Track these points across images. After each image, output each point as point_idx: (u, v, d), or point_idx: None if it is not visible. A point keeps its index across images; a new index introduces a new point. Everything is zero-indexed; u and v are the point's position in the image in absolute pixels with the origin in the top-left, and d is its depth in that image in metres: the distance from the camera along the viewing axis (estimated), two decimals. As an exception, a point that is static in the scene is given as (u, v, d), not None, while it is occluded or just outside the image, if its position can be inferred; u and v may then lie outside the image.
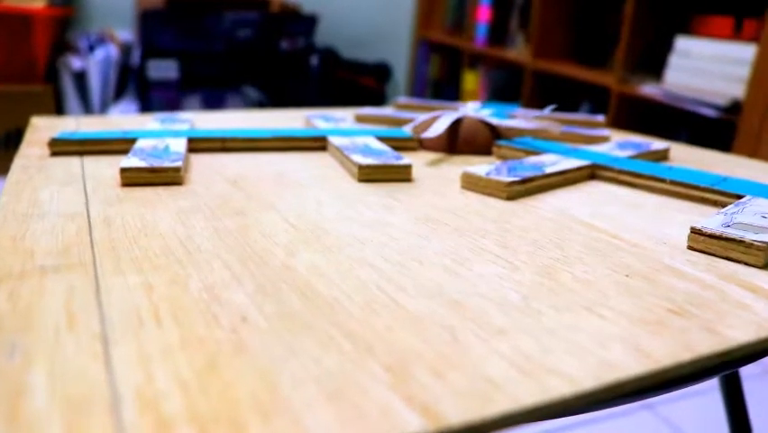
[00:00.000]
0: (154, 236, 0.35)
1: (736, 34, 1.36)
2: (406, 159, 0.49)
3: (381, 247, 0.34)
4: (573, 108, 1.91)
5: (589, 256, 0.34)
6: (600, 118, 0.77)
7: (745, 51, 1.31)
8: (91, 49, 2.15)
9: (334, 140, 0.56)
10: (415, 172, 0.51)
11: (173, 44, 2.14)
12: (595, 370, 0.22)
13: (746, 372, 1.23)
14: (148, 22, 2.10)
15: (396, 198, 0.43)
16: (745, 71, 1.31)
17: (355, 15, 2.51)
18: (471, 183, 0.45)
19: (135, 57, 2.18)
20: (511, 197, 0.44)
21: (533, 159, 0.50)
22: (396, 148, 0.58)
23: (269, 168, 0.50)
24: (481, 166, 0.47)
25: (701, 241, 0.35)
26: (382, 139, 0.58)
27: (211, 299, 0.28)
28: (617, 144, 0.60)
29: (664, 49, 1.58)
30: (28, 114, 1.99)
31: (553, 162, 0.50)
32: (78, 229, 0.36)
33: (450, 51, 2.38)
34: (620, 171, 0.49)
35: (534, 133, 0.66)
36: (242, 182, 0.46)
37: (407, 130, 0.61)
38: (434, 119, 0.61)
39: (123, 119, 0.69)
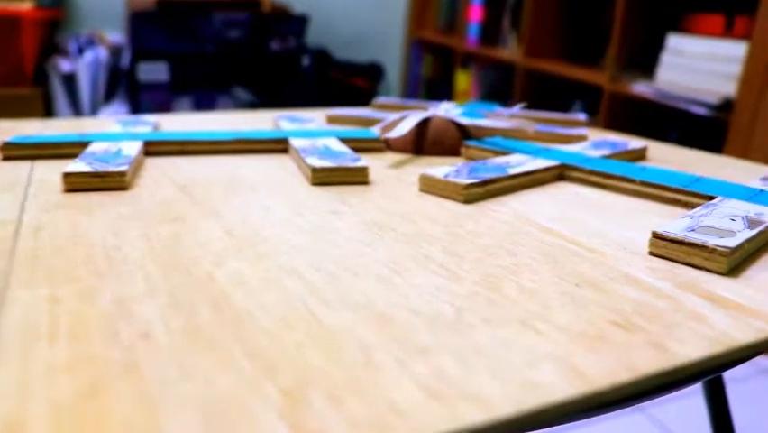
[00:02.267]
0: (81, 245, 0.33)
1: (728, 32, 1.33)
2: (364, 161, 0.47)
3: (318, 255, 0.32)
4: (565, 107, 1.89)
5: (540, 264, 0.31)
6: (581, 117, 0.75)
7: (737, 49, 1.28)
8: (80, 51, 2.13)
9: (295, 142, 0.53)
10: (375, 174, 0.48)
11: (163, 46, 2.12)
12: (517, 393, 0.20)
13: (741, 372, 1.21)
14: (137, 23, 2.08)
15: (348, 202, 0.41)
16: (736, 69, 1.28)
17: (347, 16, 2.49)
18: (429, 186, 0.43)
19: (125, 59, 2.16)
20: (470, 200, 0.41)
21: (498, 159, 0.48)
22: (361, 149, 0.56)
23: (224, 172, 0.48)
24: (442, 167, 0.45)
25: (662, 246, 0.33)
26: (346, 140, 0.56)
27: (118, 314, 0.26)
28: (592, 144, 0.57)
29: (656, 47, 1.56)
30: (16, 117, 1.97)
31: (520, 163, 0.47)
32: (3, 237, 0.34)
33: (442, 51, 2.36)
34: (590, 172, 0.47)
35: (509, 133, 0.64)
36: (191, 187, 0.44)
37: (375, 131, 0.59)
38: (402, 120, 0.59)
39: (93, 122, 0.66)
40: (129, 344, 0.23)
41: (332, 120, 0.69)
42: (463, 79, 2.14)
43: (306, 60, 2.22)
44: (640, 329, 0.25)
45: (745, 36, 1.30)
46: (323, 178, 0.45)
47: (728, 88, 1.30)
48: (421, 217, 0.38)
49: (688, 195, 0.43)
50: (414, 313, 0.25)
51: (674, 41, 1.44)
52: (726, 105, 1.28)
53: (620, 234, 0.37)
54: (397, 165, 0.51)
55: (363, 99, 2.27)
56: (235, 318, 0.25)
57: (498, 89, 2.09)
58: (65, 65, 2.10)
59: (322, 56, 2.25)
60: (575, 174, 0.48)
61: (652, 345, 0.24)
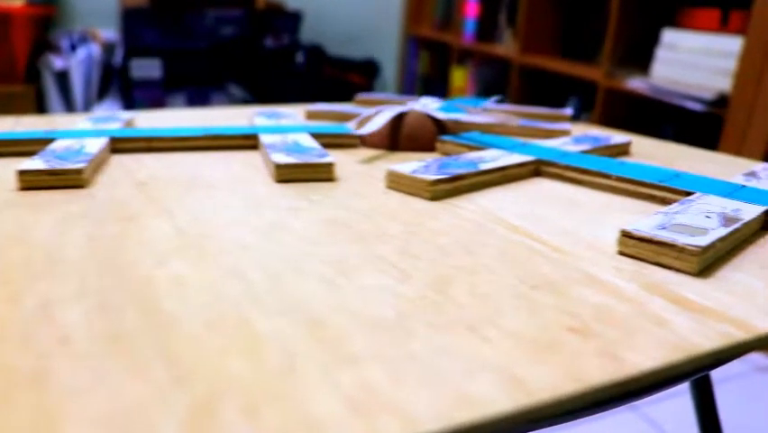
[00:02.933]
0: (23, 246, 0.31)
1: (723, 27, 1.31)
2: (331, 157, 0.45)
3: (265, 255, 0.30)
4: (561, 103, 1.87)
5: (499, 264, 0.30)
6: (567, 111, 0.73)
7: (732, 44, 1.26)
8: (73, 48, 2.12)
9: (265, 138, 0.52)
10: (344, 171, 0.47)
11: (156, 43, 2.10)
12: (447, 407, 0.18)
13: (737, 370, 1.19)
14: (130, 20, 2.07)
15: (309, 199, 0.39)
16: (731, 64, 1.26)
17: (342, 12, 2.47)
18: (396, 182, 0.41)
19: (118, 56, 2.14)
20: (436, 196, 0.40)
21: (472, 155, 0.46)
22: (335, 145, 0.54)
23: (188, 168, 0.47)
24: (410, 163, 0.43)
25: (631, 245, 0.31)
26: (320, 136, 0.54)
27: (41, 319, 0.24)
28: (574, 139, 0.56)
29: (652, 42, 1.54)
30: (9, 115, 1.95)
31: (494, 159, 0.46)
32: (-60, 236, 0.32)
33: (439, 47, 2.34)
34: (565, 167, 0.45)
35: (492, 128, 0.62)
36: (151, 184, 0.42)
37: (351, 126, 0.57)
38: (377, 115, 0.57)
39: (67, 119, 0.65)
40: (45, 350, 0.22)
41: (311, 116, 0.68)
42: (459, 76, 2.12)
43: (300, 57, 2.20)
44: (596, 336, 0.23)
45: (740, 31, 1.28)
46: (287, 174, 0.43)
47: (723, 84, 1.28)
48: (382, 215, 0.36)
49: (665, 190, 0.41)
50: (352, 317, 0.24)
51: (669, 36, 1.42)
52: (722, 101, 1.26)
53: (590, 233, 0.35)
54: (369, 161, 0.50)
55: (358, 96, 2.25)
56: (162, 323, 0.23)
57: (495, 86, 2.07)
58: (57, 62, 2.09)
59: (316, 52, 2.24)
60: (551, 170, 0.46)
61: (605, 353, 0.22)
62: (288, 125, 0.56)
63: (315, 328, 0.23)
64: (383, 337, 0.22)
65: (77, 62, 2.10)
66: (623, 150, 0.57)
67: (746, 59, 1.20)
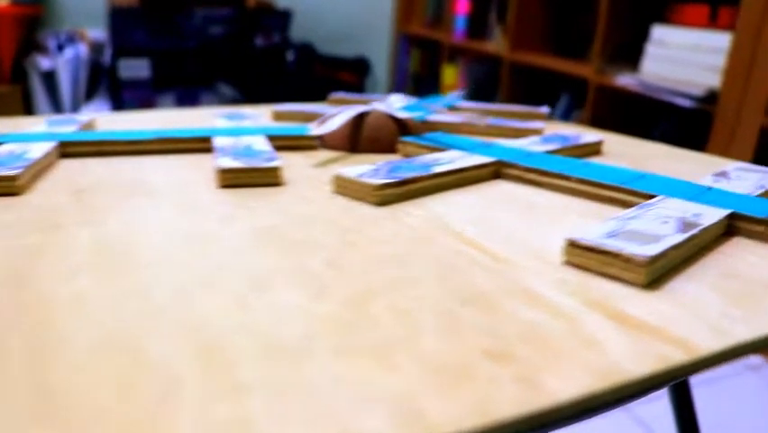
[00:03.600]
0: (-70, 257, 0.29)
1: (712, 22, 1.29)
2: (279, 161, 0.43)
3: (182, 269, 0.28)
4: (552, 101, 1.85)
5: (431, 276, 0.28)
6: (543, 110, 0.71)
7: (721, 40, 1.24)
8: (60, 48, 2.10)
9: (218, 141, 0.49)
10: (296, 174, 0.44)
11: (145, 42, 2.08)
12: (325, 451, 0.16)
13: (729, 369, 1.17)
14: (118, 20, 2.05)
15: (249, 206, 0.37)
16: (720, 60, 1.24)
17: (332, 10, 2.45)
18: (343, 187, 0.39)
19: (107, 56, 2.12)
20: (383, 201, 0.38)
21: (429, 157, 0.44)
22: (294, 147, 0.52)
23: (133, 174, 0.44)
24: (359, 166, 0.41)
25: (578, 254, 0.29)
26: (277, 138, 0.52)
27: None
28: (543, 138, 0.53)
29: (642, 38, 1.51)
30: (-5, 116, 1.93)
31: (452, 160, 0.43)
32: None
33: (430, 45, 2.32)
34: (525, 169, 0.43)
35: (460, 128, 0.60)
36: (89, 192, 0.40)
37: (312, 127, 0.55)
38: (337, 115, 0.55)
39: (30, 120, 0.63)
40: None
41: (278, 117, 0.65)
42: (450, 73, 2.10)
43: (290, 56, 2.18)
44: (516, 360, 0.21)
45: (729, 27, 1.26)
46: (231, 179, 0.41)
47: (713, 80, 1.25)
48: (321, 222, 0.34)
49: (627, 193, 0.39)
50: (252, 339, 0.22)
51: (659, 32, 1.39)
52: (711, 97, 1.24)
53: (541, 240, 0.33)
54: (324, 164, 0.48)
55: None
56: (45, 347, 0.21)
57: (486, 83, 2.05)
58: (44, 62, 2.07)
59: (307, 51, 2.21)
60: (511, 172, 0.44)
61: (523, 380, 0.20)
62: (244, 127, 0.54)
63: (209, 352, 0.21)
64: (279, 363, 0.20)
65: (65, 62, 2.08)
66: (594, 149, 0.55)
67: (735, 54, 1.18)
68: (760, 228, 0.35)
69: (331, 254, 0.30)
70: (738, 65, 1.17)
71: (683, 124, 1.49)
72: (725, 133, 1.22)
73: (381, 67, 2.54)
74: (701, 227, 0.32)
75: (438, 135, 0.51)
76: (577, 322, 0.24)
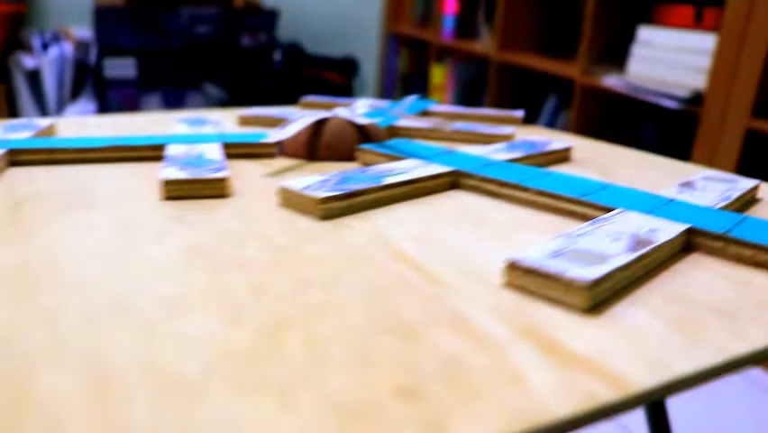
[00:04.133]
0: None
1: (697, 24, 1.27)
2: (226, 171, 0.41)
3: (97, 292, 0.26)
4: (540, 101, 1.83)
5: (358, 301, 0.26)
6: (518, 114, 0.70)
7: (706, 41, 1.22)
8: (45, 47, 2.07)
9: (172, 149, 0.48)
10: (246, 185, 0.43)
11: (130, 42, 2.06)
12: None
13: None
14: (103, 19, 2.02)
15: (187, 220, 0.35)
16: (706, 62, 1.22)
17: (320, 9, 2.43)
18: (288, 200, 0.37)
19: (92, 55, 2.10)
20: (328, 215, 0.36)
21: (383, 166, 0.43)
22: (251, 155, 0.51)
23: (78, 184, 0.43)
24: (309, 177, 0.39)
25: (518, 276, 0.27)
26: (234, 145, 0.50)
27: None
28: (509, 145, 0.52)
29: (629, 39, 1.50)
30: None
31: (407, 170, 0.42)
32: None
33: (418, 45, 2.30)
34: (484, 180, 0.41)
35: (425, 134, 0.59)
36: (28, 203, 0.39)
37: (273, 134, 0.53)
38: (295, 121, 0.53)
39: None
40: None
41: (244, 121, 0.64)
42: (439, 73, 2.08)
43: (277, 55, 2.16)
44: (427, 400, 0.19)
45: (714, 28, 1.24)
46: (175, 191, 0.39)
47: (698, 81, 1.24)
48: (258, 239, 0.33)
49: (585, 206, 0.37)
50: (149, 374, 0.20)
51: (645, 33, 1.38)
52: (697, 99, 1.22)
53: (487, 258, 0.31)
54: (277, 173, 0.46)
55: (337, 95, 2.21)
56: None
57: (474, 83, 2.03)
58: (28, 61, 2.04)
59: (294, 51, 2.19)
60: (469, 182, 0.42)
61: (428, 424, 0.18)
62: (200, 135, 0.52)
63: (101, 389, 0.19)
64: (170, 402, 0.19)
65: (49, 61, 2.06)
66: (563, 156, 0.53)
67: (720, 56, 1.17)
68: (718, 244, 0.33)
69: (258, 276, 0.28)
70: (723, 66, 1.16)
71: (670, 125, 1.48)
72: (710, 135, 1.20)
73: (370, 67, 2.52)
74: (654, 245, 0.30)
75: (398, 143, 0.50)
76: (504, 354, 0.22)
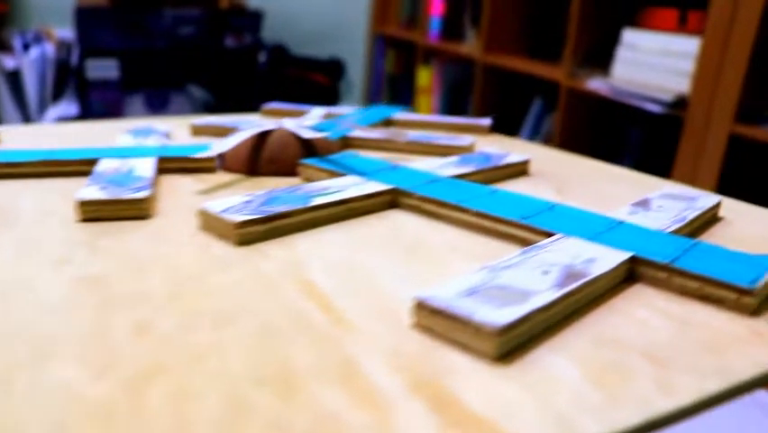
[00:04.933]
0: None
1: (681, 27, 1.25)
2: (147, 191, 0.38)
3: (-46, 335, 0.24)
4: (526, 104, 1.81)
5: (246, 344, 0.23)
6: (485, 122, 0.67)
7: (690, 45, 1.20)
8: (26, 47, 2.04)
9: (102, 164, 0.45)
10: (175, 204, 0.40)
11: (113, 42, 2.03)
12: None
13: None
14: (85, 19, 1.99)
15: (96, 245, 0.33)
16: (690, 65, 1.20)
17: (307, 10, 2.40)
18: (207, 223, 0.35)
19: (74, 56, 2.07)
20: (245, 241, 0.33)
21: (316, 185, 0.40)
22: (190, 170, 0.48)
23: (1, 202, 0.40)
24: (233, 198, 0.37)
25: (427, 316, 0.25)
26: (171, 160, 0.47)
27: None
28: (462, 158, 0.49)
29: (614, 42, 1.47)
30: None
31: (341, 189, 0.39)
32: None
33: (405, 46, 2.27)
34: (423, 199, 0.39)
35: (379, 145, 0.56)
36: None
37: (213, 146, 0.51)
38: (236, 133, 0.50)
39: None
40: None
41: (197, 131, 0.61)
42: (425, 75, 2.06)
43: (262, 57, 2.13)
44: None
45: (698, 31, 1.22)
46: (92, 212, 0.37)
47: (682, 85, 1.22)
48: (165, 268, 0.30)
49: (525, 230, 0.35)
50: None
51: (629, 36, 1.35)
52: (681, 103, 1.20)
53: (406, 291, 0.29)
54: (212, 190, 0.43)
55: (323, 96, 2.18)
56: None
57: (460, 85, 2.01)
58: (8, 62, 2.01)
59: (279, 52, 2.17)
60: (408, 201, 0.40)
61: None
62: (135, 148, 0.50)
63: None
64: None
65: (30, 62, 2.03)
66: (520, 169, 0.51)
67: (704, 59, 1.14)
68: (662, 275, 0.31)
69: (149, 313, 0.25)
70: (707, 70, 1.14)
71: (656, 130, 1.46)
72: (694, 141, 1.18)
73: (356, 68, 2.50)
74: (586, 279, 0.28)
75: (343, 156, 0.47)
76: (389, 411, 0.20)
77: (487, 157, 0.50)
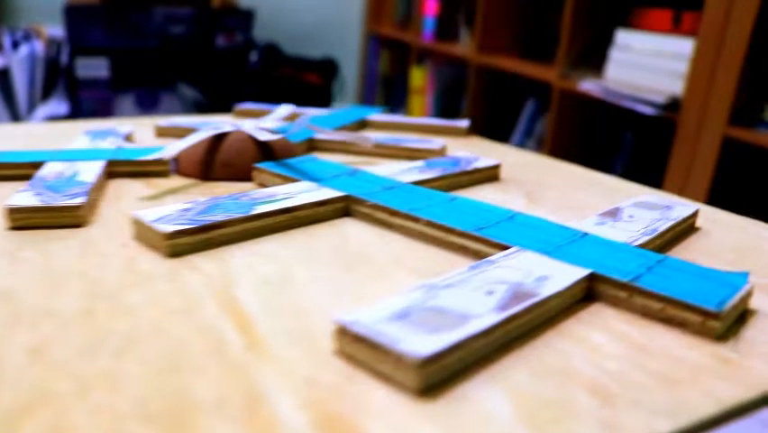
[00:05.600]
0: None
1: (675, 27, 1.22)
2: (82, 198, 0.36)
3: None
4: (519, 105, 1.78)
5: (147, 372, 0.21)
6: (462, 124, 0.65)
7: (684, 46, 1.17)
8: (15, 45, 2.02)
9: (47, 167, 0.43)
10: (116, 211, 0.38)
11: (103, 41, 2.01)
12: None
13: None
14: (74, 17, 1.97)
15: (19, 257, 0.30)
16: (683, 67, 1.18)
17: (299, 9, 2.38)
18: (140, 233, 0.33)
19: (65, 54, 2.04)
20: (176, 252, 0.31)
21: (264, 191, 0.38)
22: (142, 174, 0.46)
23: None
24: (168, 206, 0.34)
25: (348, 343, 0.23)
26: (120, 163, 0.45)
27: None
28: (428, 162, 0.47)
29: (608, 43, 1.45)
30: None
31: (291, 195, 0.37)
32: None
33: (399, 47, 2.25)
34: (375, 207, 0.36)
35: (346, 147, 0.54)
36: None
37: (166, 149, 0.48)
38: (191, 135, 0.48)
39: None
40: None
41: (161, 132, 0.59)
42: (418, 76, 2.03)
43: (254, 56, 2.11)
44: None
45: (692, 32, 1.19)
46: (23, 220, 0.34)
47: (676, 87, 1.19)
48: (83, 283, 0.28)
49: (478, 241, 0.32)
50: None
51: (623, 37, 1.33)
52: (674, 105, 1.17)
53: (337, 311, 0.26)
54: (158, 196, 0.41)
55: (316, 97, 2.16)
56: None
57: (454, 86, 1.98)
58: (-3, 61, 1.99)
59: (271, 51, 2.14)
60: (361, 209, 0.37)
61: None
62: (84, 150, 0.47)
63: None
64: None
65: (19, 60, 2.01)
66: (491, 174, 0.48)
67: (698, 61, 1.12)
68: (623, 294, 0.28)
69: (51, 334, 0.23)
70: (701, 72, 1.11)
71: (649, 132, 1.43)
72: (688, 143, 1.15)
73: (351, 68, 2.47)
74: (534, 300, 0.25)
75: (301, 161, 0.45)
76: (285, 462, 0.17)
77: (455, 161, 0.47)
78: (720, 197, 1.14)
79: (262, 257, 0.31)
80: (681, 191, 1.17)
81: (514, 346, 0.24)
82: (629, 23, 1.36)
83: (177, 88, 2.10)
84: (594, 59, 1.47)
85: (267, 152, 0.46)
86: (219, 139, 0.46)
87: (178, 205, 0.34)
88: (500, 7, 1.75)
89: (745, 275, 0.30)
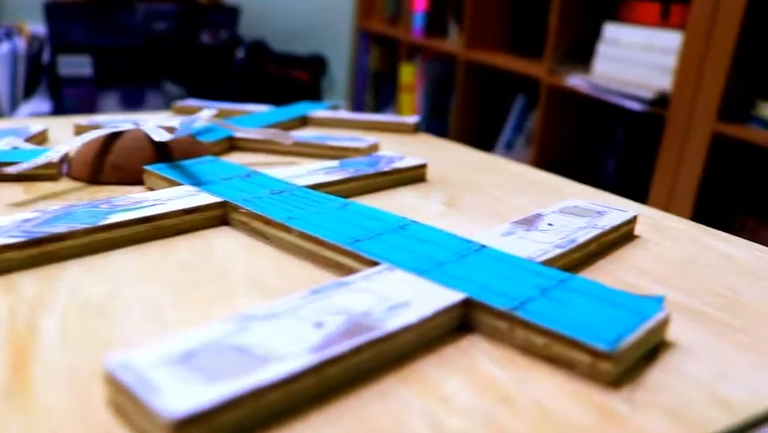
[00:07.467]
0: None
1: (663, 21, 1.17)
2: None
3: None
4: (508, 101, 1.73)
5: None
6: (412, 120, 0.60)
7: (672, 39, 1.12)
8: (-2, 43, 1.99)
9: None
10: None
11: (85, 38, 1.97)
12: None
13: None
14: (55, 15, 1.94)
15: None
16: (671, 61, 1.12)
17: (289, 6, 2.33)
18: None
19: (46, 52, 2.01)
20: (2, 269, 0.27)
21: (131, 197, 0.33)
22: (28, 178, 0.41)
23: None
24: (19, 214, 0.30)
25: (116, 391, 0.18)
26: (7, 165, 0.41)
27: None
28: (342, 162, 0.42)
29: (596, 37, 1.40)
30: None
31: (160, 202, 0.32)
32: None
33: (389, 43, 2.20)
34: (252, 215, 0.32)
35: (262, 147, 0.49)
36: None
37: (55, 150, 0.44)
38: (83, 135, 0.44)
39: None
40: None
41: (80, 131, 0.55)
42: (408, 72, 1.99)
43: (240, 53, 2.07)
44: None
45: (680, 25, 1.14)
46: None
47: (664, 82, 1.14)
48: None
49: (349, 256, 0.28)
50: None
51: (611, 31, 1.28)
52: (662, 100, 1.12)
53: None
54: (31, 203, 0.37)
55: (304, 95, 2.12)
56: None
57: (444, 83, 1.93)
58: (-20, 59, 1.96)
59: (258, 48, 2.10)
60: (238, 217, 0.33)
61: None
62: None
63: None
64: None
65: (1, 57, 1.98)
66: (416, 175, 0.44)
67: (686, 55, 1.06)
68: (503, 325, 0.24)
69: None
70: (690, 66, 1.06)
71: (640, 128, 1.38)
72: (677, 139, 1.10)
73: (340, 65, 2.43)
74: (370, 336, 0.21)
75: (195, 162, 0.40)
76: None
77: (375, 161, 0.43)
78: (709, 193, 1.09)
79: (98, 275, 0.27)
80: (671, 188, 1.12)
81: (336, 397, 0.20)
82: (617, 17, 1.31)
83: (161, 86, 2.07)
84: (582, 54, 1.42)
85: (164, 152, 0.42)
86: (113, 139, 0.41)
87: (22, 214, 0.30)
88: (489, 2, 1.70)
89: (659, 300, 0.25)
